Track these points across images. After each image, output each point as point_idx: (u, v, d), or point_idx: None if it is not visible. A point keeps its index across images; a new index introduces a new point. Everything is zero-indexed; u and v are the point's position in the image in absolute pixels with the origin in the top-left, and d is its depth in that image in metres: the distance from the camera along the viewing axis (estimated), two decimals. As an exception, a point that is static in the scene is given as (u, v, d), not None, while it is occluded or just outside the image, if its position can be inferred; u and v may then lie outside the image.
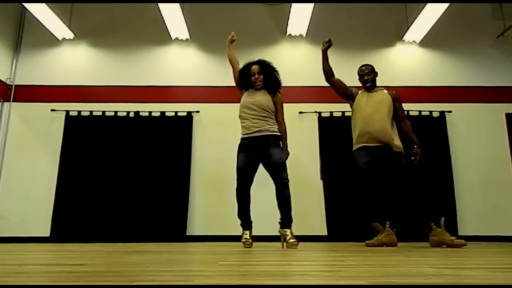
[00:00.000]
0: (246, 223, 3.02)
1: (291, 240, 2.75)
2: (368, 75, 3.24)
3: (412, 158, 3.11)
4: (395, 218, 3.23)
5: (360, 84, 3.30)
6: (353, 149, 3.22)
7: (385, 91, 3.25)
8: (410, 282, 1.01)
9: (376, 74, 3.29)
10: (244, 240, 2.95)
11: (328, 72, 3.31)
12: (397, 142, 3.10)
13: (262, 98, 3.00)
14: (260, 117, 2.96)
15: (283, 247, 2.83)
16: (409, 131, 3.18)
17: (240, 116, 3.05)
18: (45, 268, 1.46)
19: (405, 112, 4.52)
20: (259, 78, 3.01)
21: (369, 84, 3.22)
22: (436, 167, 4.40)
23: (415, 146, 3.14)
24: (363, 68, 3.29)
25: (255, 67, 3.02)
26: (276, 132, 2.99)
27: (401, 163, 3.03)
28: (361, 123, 3.13)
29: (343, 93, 3.30)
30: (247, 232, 2.99)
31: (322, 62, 3.34)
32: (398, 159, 3.05)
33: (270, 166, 2.92)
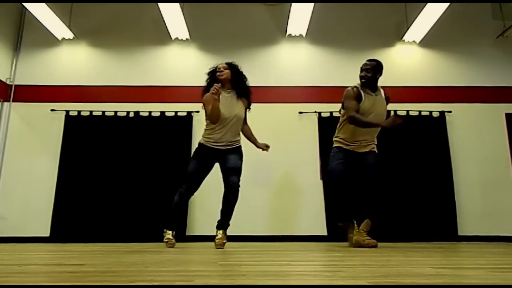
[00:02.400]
0: (175, 223, 3.07)
1: (218, 241, 2.83)
2: (367, 72, 3.07)
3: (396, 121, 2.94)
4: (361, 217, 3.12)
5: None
6: (334, 146, 3.22)
7: (383, 92, 3.18)
8: (410, 282, 1.01)
9: (378, 73, 3.10)
10: (167, 240, 2.97)
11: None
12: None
13: (239, 110, 3.02)
14: (233, 132, 3.01)
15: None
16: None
17: (211, 123, 2.97)
18: (45, 268, 1.46)
19: (405, 112, 4.56)
20: (224, 72, 3.01)
21: (363, 81, 3.07)
22: (436, 167, 4.40)
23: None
24: (367, 62, 3.12)
25: (221, 64, 3.08)
26: (239, 143, 3.05)
27: (370, 162, 3.09)
28: (360, 130, 3.07)
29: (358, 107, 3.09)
30: (171, 232, 3.02)
31: (371, 124, 3.03)
32: (368, 157, 3.10)
33: (225, 170, 2.97)
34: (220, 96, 2.97)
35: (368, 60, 3.13)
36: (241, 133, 3.12)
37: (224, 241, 2.86)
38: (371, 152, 3.12)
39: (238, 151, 3.02)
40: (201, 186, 4.45)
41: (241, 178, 2.98)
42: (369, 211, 3.03)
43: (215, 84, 2.85)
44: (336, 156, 3.14)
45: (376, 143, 3.20)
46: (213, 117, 2.93)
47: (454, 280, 1.04)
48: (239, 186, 2.93)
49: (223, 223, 2.94)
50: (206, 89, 3.05)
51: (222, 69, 3.04)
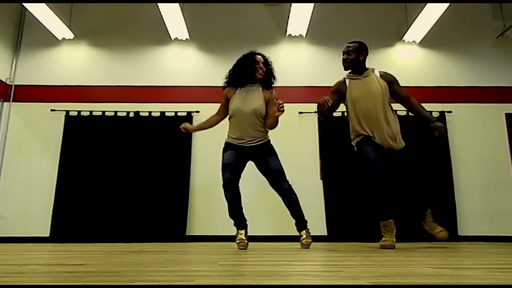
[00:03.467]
0: (240, 222, 2.80)
1: (303, 241, 2.78)
2: (348, 54, 2.86)
3: (436, 134, 2.93)
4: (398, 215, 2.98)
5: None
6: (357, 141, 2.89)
7: (377, 73, 2.91)
8: (410, 282, 1.01)
9: (361, 54, 2.86)
10: (238, 241, 2.72)
11: (328, 116, 2.96)
12: None
13: (259, 104, 2.83)
14: (253, 128, 2.84)
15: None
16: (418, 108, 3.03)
17: (230, 122, 2.90)
18: (45, 268, 1.46)
19: (405, 112, 4.56)
20: (263, 69, 2.86)
21: (345, 64, 2.88)
22: (436, 167, 4.40)
23: (432, 123, 2.97)
24: (348, 44, 2.90)
25: (260, 58, 2.89)
26: (266, 138, 2.91)
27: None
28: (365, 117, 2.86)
29: (337, 102, 2.96)
30: (242, 231, 2.76)
31: (322, 114, 2.87)
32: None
33: (269, 175, 2.87)
34: (236, 94, 2.88)
35: (349, 42, 2.92)
36: (264, 127, 2.91)
37: (310, 241, 2.79)
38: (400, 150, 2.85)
39: (270, 150, 2.89)
40: (200, 186, 4.49)
41: (285, 176, 2.89)
42: (421, 202, 2.95)
43: (182, 126, 3.08)
44: (365, 147, 2.81)
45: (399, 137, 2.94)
46: (209, 127, 3.11)
47: (454, 280, 1.04)
48: (290, 186, 2.88)
49: (299, 224, 2.87)
50: (232, 78, 2.91)
51: (262, 67, 2.87)
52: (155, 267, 1.36)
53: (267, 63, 2.94)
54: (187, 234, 4.27)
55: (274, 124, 2.90)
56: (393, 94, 2.98)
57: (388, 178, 2.74)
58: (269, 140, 2.95)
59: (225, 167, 2.79)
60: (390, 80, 2.95)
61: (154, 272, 1.23)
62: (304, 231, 2.83)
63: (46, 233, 4.23)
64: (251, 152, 2.85)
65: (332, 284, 1.00)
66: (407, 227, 4.25)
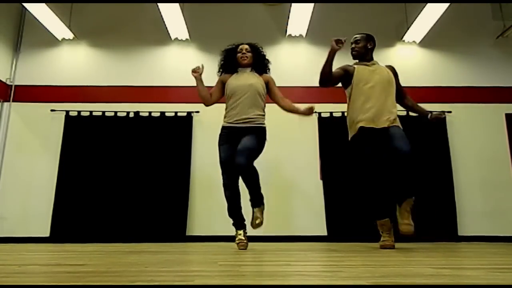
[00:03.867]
0: (239, 221, 2.77)
1: (252, 220, 2.70)
2: (356, 43, 2.95)
3: (435, 119, 2.93)
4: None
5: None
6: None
7: (383, 65, 2.98)
8: (410, 282, 1.01)
9: (369, 43, 2.96)
10: (238, 241, 2.70)
11: (328, 75, 2.82)
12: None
13: (256, 81, 2.83)
14: (251, 106, 2.78)
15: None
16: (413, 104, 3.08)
17: (228, 104, 2.85)
18: (45, 268, 1.46)
19: (405, 112, 4.56)
20: (247, 54, 2.87)
21: (354, 53, 2.94)
22: (436, 168, 4.40)
23: (429, 115, 3.01)
24: (355, 35, 3.01)
25: (244, 46, 2.93)
26: (261, 122, 2.81)
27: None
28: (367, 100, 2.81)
29: (339, 76, 2.89)
30: (241, 232, 2.74)
31: (326, 64, 2.79)
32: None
33: (238, 148, 2.70)
34: (232, 77, 2.90)
35: (356, 34, 3.03)
36: (263, 111, 2.86)
37: (260, 219, 2.67)
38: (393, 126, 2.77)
39: (256, 131, 2.75)
40: (200, 186, 4.49)
41: (252, 159, 2.69)
42: (408, 189, 2.66)
43: (196, 67, 2.96)
44: (360, 143, 2.77)
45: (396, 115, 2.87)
46: (201, 99, 2.97)
47: (454, 281, 1.04)
48: (245, 165, 2.60)
49: (253, 200, 2.72)
50: (223, 66, 2.98)
51: (245, 52, 2.88)
52: (155, 267, 1.36)
53: (254, 49, 2.95)
54: (187, 234, 4.27)
55: (290, 107, 2.91)
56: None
57: (382, 175, 2.71)
58: (264, 128, 2.82)
59: (223, 166, 2.78)
60: (395, 73, 3.02)
61: (154, 272, 1.23)
62: (256, 209, 2.71)
63: (46, 233, 4.23)
64: (241, 132, 2.75)
65: (332, 284, 1.00)
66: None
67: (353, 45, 2.98)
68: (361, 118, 2.78)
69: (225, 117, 2.90)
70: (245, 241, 2.71)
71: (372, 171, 2.71)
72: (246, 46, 2.94)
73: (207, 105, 3.04)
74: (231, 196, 2.75)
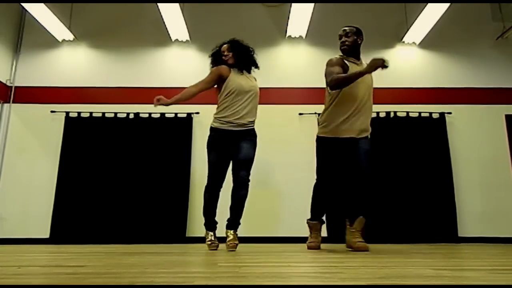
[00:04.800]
0: (212, 223, 2.80)
1: (230, 243, 2.62)
2: (347, 36, 2.74)
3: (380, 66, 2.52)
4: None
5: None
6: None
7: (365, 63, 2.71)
8: (410, 284, 1.00)
9: (359, 38, 2.77)
10: (209, 242, 2.73)
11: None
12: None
13: (255, 84, 2.89)
14: (252, 110, 2.81)
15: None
16: None
17: (225, 102, 2.78)
18: (45, 269, 1.46)
19: (405, 113, 4.56)
20: (228, 54, 2.91)
21: (344, 47, 2.74)
22: (436, 169, 4.40)
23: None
24: (344, 28, 2.79)
25: (224, 46, 2.96)
26: (253, 125, 2.84)
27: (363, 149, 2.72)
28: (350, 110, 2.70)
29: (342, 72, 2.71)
30: (212, 233, 2.78)
31: (353, 78, 2.57)
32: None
33: (236, 161, 2.73)
34: (232, 74, 2.86)
35: (345, 26, 2.80)
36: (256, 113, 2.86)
37: (236, 242, 2.65)
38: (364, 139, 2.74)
39: (251, 137, 2.80)
40: (200, 187, 4.47)
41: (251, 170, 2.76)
42: (361, 207, 2.68)
43: (156, 98, 2.98)
44: (325, 146, 2.75)
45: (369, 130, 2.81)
46: (188, 99, 3.00)
47: (454, 282, 1.03)
48: (248, 180, 2.71)
49: (233, 222, 2.70)
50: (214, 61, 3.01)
51: (227, 53, 2.92)
52: (155, 269, 1.36)
53: (234, 46, 2.95)
54: (187, 235, 4.26)
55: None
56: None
57: (333, 180, 2.74)
58: (254, 130, 2.87)
59: (212, 170, 2.79)
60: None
61: (154, 273, 1.23)
62: (232, 231, 2.69)
63: (46, 235, 4.23)
64: (235, 136, 2.75)
65: (332, 285, 1.00)
66: (407, 228, 4.26)
67: (343, 38, 2.76)
68: (341, 128, 2.70)
69: (217, 115, 2.85)
70: (216, 242, 2.74)
71: (328, 176, 2.75)
72: (226, 46, 2.97)
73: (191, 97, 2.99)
74: (211, 199, 2.79)
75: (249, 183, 2.74)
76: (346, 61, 2.73)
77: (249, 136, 2.79)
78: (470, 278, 1.12)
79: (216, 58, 3.01)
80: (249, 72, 2.98)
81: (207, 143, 2.86)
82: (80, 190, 4.33)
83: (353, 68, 2.68)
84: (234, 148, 2.75)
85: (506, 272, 1.30)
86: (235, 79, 2.83)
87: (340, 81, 2.58)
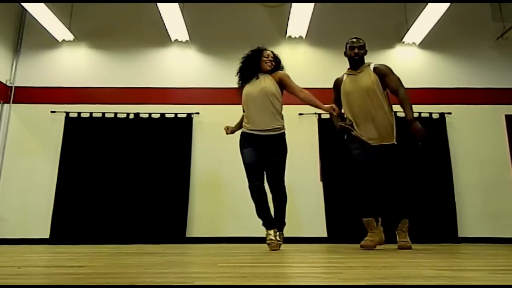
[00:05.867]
0: (268, 221, 2.74)
1: (270, 241, 2.68)
2: (360, 49, 2.95)
3: (416, 138, 2.87)
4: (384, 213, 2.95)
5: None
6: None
7: (371, 67, 2.95)
8: (410, 284, 1.00)
9: (366, 51, 3.03)
10: (268, 241, 2.68)
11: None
12: None
13: (268, 84, 2.81)
14: (266, 111, 2.77)
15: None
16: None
17: (245, 111, 2.86)
18: (45, 270, 1.46)
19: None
20: (272, 61, 2.88)
21: (357, 58, 2.94)
22: (436, 169, 4.40)
23: (411, 125, 2.86)
24: (358, 39, 2.99)
25: (269, 52, 2.93)
26: (281, 129, 2.81)
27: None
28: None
29: (339, 96, 3.07)
30: (271, 231, 2.70)
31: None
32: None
33: (269, 170, 2.79)
34: (246, 86, 2.88)
35: (355, 38, 3.01)
36: (279, 114, 2.82)
37: (278, 241, 2.67)
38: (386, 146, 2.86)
39: (280, 143, 2.79)
40: (200, 187, 4.49)
41: (284, 178, 2.81)
42: (402, 209, 2.89)
43: (225, 127, 3.02)
44: (350, 144, 2.89)
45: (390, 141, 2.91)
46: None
47: (454, 282, 1.03)
48: (283, 186, 2.79)
49: (276, 222, 2.75)
50: (243, 70, 2.92)
51: (271, 59, 2.90)
52: (155, 269, 1.36)
53: (276, 58, 2.96)
54: (187, 236, 4.26)
55: (310, 100, 2.90)
56: (385, 87, 2.95)
57: (371, 175, 2.78)
58: (283, 133, 2.84)
59: (248, 168, 2.78)
60: (382, 72, 2.94)
61: (154, 274, 1.23)
62: (273, 230, 2.71)
63: (46, 235, 4.23)
64: (264, 141, 2.77)
65: (332, 285, 1.00)
66: (408, 229, 4.26)
67: (357, 50, 2.95)
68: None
69: (244, 122, 2.89)
70: (275, 241, 2.66)
71: (360, 170, 2.82)
72: (270, 53, 2.94)
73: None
74: (258, 197, 2.74)
75: (284, 189, 2.80)
76: (345, 76, 3.04)
77: (277, 143, 2.79)
78: (470, 278, 1.12)
79: (253, 59, 2.91)
80: (270, 73, 2.92)
81: (240, 145, 2.88)
82: (80, 190, 4.33)
83: (347, 80, 2.98)
84: (266, 152, 2.78)
85: (506, 272, 1.30)
86: (246, 89, 2.88)
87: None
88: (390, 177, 2.80)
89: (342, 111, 3.05)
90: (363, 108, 2.87)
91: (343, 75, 3.05)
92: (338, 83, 3.06)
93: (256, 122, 2.78)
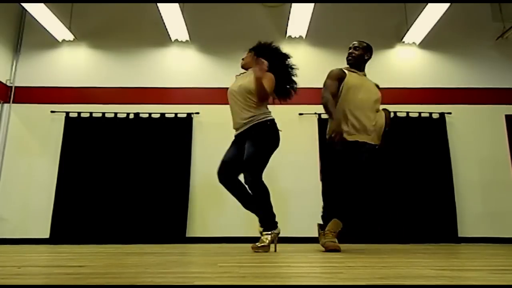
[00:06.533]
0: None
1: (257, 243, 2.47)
2: (355, 49, 2.85)
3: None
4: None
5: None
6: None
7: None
8: (410, 284, 1.00)
9: (366, 54, 2.88)
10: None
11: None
12: None
13: (247, 80, 2.61)
14: (240, 107, 2.60)
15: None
16: None
17: None
18: (45, 269, 1.46)
19: (405, 113, 4.57)
20: (244, 59, 2.79)
21: (350, 58, 2.84)
22: (435, 169, 4.40)
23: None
24: (355, 42, 2.91)
25: (250, 52, 2.84)
26: (259, 118, 2.57)
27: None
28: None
29: (337, 87, 2.78)
30: (260, 228, 2.56)
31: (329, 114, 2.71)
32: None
33: (241, 161, 2.57)
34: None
35: (356, 41, 2.92)
36: (259, 107, 2.59)
37: (264, 243, 2.44)
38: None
39: (253, 133, 2.55)
40: (200, 187, 4.49)
41: (257, 171, 2.53)
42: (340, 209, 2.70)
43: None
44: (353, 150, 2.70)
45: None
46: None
47: (454, 282, 1.03)
48: (253, 178, 2.50)
49: (260, 220, 2.57)
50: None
51: (245, 57, 2.80)
52: (155, 269, 1.36)
53: (256, 51, 2.79)
54: (187, 235, 4.26)
55: (260, 92, 2.51)
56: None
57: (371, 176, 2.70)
58: (261, 122, 2.58)
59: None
60: (377, 86, 2.93)
61: (154, 273, 1.23)
62: (261, 229, 2.53)
63: (46, 235, 4.23)
64: (244, 138, 2.60)
65: (332, 285, 1.00)
66: (407, 228, 4.26)
67: (351, 51, 2.87)
68: (347, 129, 2.70)
69: None
70: (255, 245, 2.45)
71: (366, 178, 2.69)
72: (249, 53, 2.85)
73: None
74: (231, 192, 2.65)
75: (258, 184, 2.53)
76: (346, 71, 2.82)
77: (251, 132, 2.56)
78: (471, 278, 1.12)
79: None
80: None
81: None
82: (80, 190, 4.33)
83: (351, 77, 2.77)
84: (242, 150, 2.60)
85: (506, 272, 1.30)
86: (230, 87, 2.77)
87: (325, 107, 2.72)
88: (369, 178, 2.69)
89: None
90: (367, 103, 2.74)
91: (344, 70, 2.84)
92: (342, 74, 2.79)
93: (236, 122, 2.66)
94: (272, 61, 2.65)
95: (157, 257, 1.96)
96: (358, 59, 2.86)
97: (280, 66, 2.75)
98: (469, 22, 4.97)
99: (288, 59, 2.82)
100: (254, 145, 2.53)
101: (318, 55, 4.91)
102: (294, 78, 2.85)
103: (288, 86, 2.83)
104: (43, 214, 4.29)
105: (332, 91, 2.74)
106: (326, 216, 2.76)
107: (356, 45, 2.88)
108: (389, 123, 2.79)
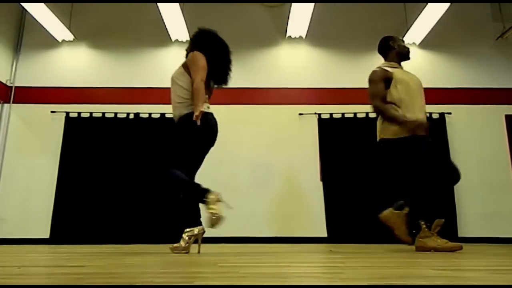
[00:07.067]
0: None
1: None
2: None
3: None
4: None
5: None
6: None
7: None
8: (411, 284, 1.00)
9: None
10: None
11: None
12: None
13: (176, 71, 2.69)
14: (174, 100, 2.60)
15: None
16: None
17: None
18: (45, 269, 1.46)
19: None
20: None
21: (407, 53, 2.97)
22: (436, 169, 4.39)
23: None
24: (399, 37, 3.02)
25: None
26: (185, 112, 2.48)
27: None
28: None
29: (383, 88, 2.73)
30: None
31: (393, 120, 2.69)
32: None
33: None
34: None
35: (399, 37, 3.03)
36: (182, 98, 2.54)
37: (212, 213, 2.34)
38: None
39: (178, 129, 2.52)
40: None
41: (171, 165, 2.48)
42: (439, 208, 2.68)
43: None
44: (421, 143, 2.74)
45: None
46: None
47: (454, 282, 1.03)
48: (168, 173, 2.50)
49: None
50: None
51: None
52: (155, 269, 1.36)
53: (197, 36, 2.84)
54: (187, 235, 4.26)
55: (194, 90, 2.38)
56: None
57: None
58: (186, 115, 2.46)
59: None
60: None
61: (154, 273, 1.23)
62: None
63: (46, 235, 4.23)
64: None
65: (332, 285, 1.00)
66: (408, 228, 4.26)
67: (408, 49, 2.95)
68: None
69: None
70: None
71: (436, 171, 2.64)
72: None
73: None
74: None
75: (167, 176, 2.49)
76: (389, 69, 2.77)
77: (178, 127, 2.52)
78: (471, 278, 1.12)
79: None
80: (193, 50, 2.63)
81: None
82: (80, 190, 4.33)
83: (397, 74, 2.75)
84: None
85: (506, 272, 1.30)
86: None
87: (384, 116, 2.67)
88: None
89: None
90: (417, 97, 2.85)
91: (382, 68, 2.80)
92: (387, 74, 2.75)
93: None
94: (209, 49, 2.68)
95: (157, 257, 1.96)
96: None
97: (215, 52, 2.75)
98: (469, 22, 4.97)
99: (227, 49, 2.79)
100: (175, 141, 2.61)
101: (318, 55, 4.91)
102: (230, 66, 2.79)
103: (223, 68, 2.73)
104: (43, 214, 4.29)
105: (382, 95, 2.67)
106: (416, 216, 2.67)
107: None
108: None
